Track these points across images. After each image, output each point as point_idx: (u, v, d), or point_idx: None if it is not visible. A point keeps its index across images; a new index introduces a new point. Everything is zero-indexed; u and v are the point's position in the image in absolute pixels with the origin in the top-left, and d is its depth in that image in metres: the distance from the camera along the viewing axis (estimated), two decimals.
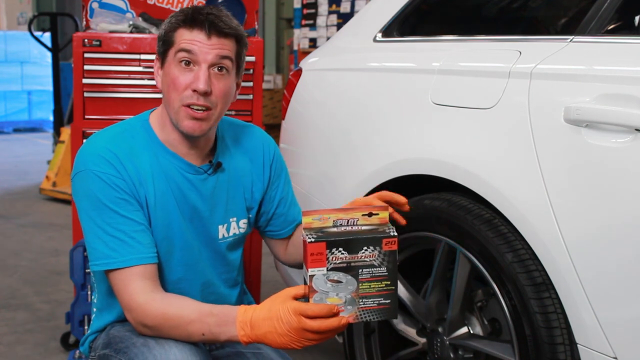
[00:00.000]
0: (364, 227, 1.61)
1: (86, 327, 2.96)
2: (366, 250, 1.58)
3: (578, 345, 1.73)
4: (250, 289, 2.15)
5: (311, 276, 1.55)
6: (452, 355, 2.07)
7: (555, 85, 1.80)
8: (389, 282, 1.60)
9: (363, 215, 1.60)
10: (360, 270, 1.57)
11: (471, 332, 2.07)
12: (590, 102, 1.69)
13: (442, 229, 2.01)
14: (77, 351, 2.87)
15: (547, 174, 1.75)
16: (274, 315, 1.58)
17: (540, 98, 1.81)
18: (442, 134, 2.06)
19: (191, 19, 1.75)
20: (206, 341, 1.72)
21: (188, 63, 1.75)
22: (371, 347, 2.37)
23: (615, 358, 1.65)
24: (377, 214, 1.62)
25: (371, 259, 1.58)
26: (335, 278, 1.56)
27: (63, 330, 3.31)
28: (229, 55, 1.77)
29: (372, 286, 1.58)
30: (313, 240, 1.54)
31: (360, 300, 1.58)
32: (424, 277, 2.23)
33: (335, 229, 1.58)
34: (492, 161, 1.90)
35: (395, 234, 1.60)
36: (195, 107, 1.75)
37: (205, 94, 1.74)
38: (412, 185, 2.19)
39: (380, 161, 2.23)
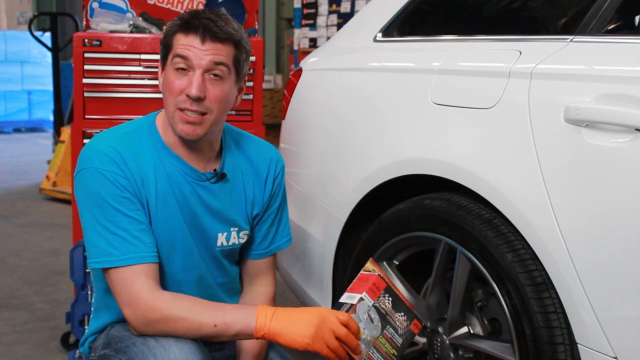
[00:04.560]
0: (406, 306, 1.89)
1: (86, 327, 2.96)
2: (401, 316, 1.84)
3: (578, 345, 1.73)
4: None
5: (361, 298, 1.74)
6: (452, 355, 2.07)
7: (556, 85, 1.80)
8: (396, 353, 1.81)
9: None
10: (387, 326, 1.79)
11: (471, 332, 2.07)
12: (590, 102, 1.69)
13: (442, 229, 2.01)
14: (77, 351, 2.87)
15: (547, 173, 1.75)
16: (305, 308, 1.69)
17: (540, 98, 1.81)
18: (442, 133, 2.06)
19: (186, 24, 1.74)
20: (216, 334, 1.71)
21: (183, 68, 1.74)
22: None
23: (616, 358, 1.65)
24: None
25: (399, 324, 1.83)
26: (372, 315, 1.75)
27: (63, 330, 3.31)
28: (224, 62, 1.76)
29: (386, 345, 1.77)
30: (382, 277, 1.83)
31: (372, 348, 1.73)
32: (424, 277, 2.23)
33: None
34: (492, 161, 1.89)
35: (425, 324, 1.99)
36: (189, 112, 1.75)
37: (199, 100, 1.74)
38: (412, 185, 2.20)
39: (380, 161, 2.23)
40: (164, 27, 1.84)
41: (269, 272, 2.05)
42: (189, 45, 1.73)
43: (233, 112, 3.03)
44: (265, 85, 9.18)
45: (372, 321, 1.74)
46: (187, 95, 1.73)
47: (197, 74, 1.73)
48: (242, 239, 1.96)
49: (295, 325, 1.64)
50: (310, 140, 2.66)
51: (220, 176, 1.89)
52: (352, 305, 1.72)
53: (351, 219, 2.37)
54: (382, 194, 2.28)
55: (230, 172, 1.92)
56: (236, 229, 1.94)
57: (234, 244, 1.95)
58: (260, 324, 1.65)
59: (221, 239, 1.92)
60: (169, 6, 3.29)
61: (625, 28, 1.96)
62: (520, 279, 1.80)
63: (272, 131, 6.02)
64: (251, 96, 3.14)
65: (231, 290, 2.02)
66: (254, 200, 1.97)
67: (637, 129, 1.59)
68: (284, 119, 2.85)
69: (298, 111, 2.76)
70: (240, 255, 2.03)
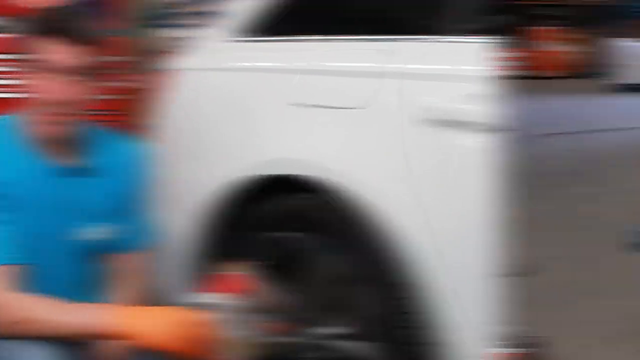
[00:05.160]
0: None
1: None
2: (265, 316, 1.78)
3: (443, 344, 1.75)
4: None
5: (223, 298, 1.72)
6: (317, 356, 2.07)
7: (421, 85, 1.83)
8: (261, 354, 1.76)
9: None
10: (251, 327, 1.75)
11: (337, 332, 2.07)
12: (455, 101, 1.72)
13: (307, 229, 2.02)
14: None
15: (415, 173, 1.78)
16: (167, 307, 1.68)
17: (406, 98, 1.84)
18: (306, 134, 2.07)
19: (45, 26, 1.75)
20: (76, 335, 1.69)
21: (45, 71, 1.73)
22: None
23: (479, 356, 1.68)
24: None
25: (263, 325, 1.78)
26: (235, 316, 1.72)
27: None
28: (85, 64, 1.77)
29: (249, 346, 1.74)
30: (244, 276, 1.77)
31: (236, 349, 1.71)
32: (289, 278, 2.22)
33: None
34: (358, 161, 1.91)
35: (290, 325, 1.96)
36: (53, 114, 1.75)
37: (62, 102, 1.74)
38: (285, 188, 2.18)
39: (242, 162, 2.23)
40: (20, 27, 1.82)
41: (137, 271, 2.03)
42: (49, 48, 1.73)
43: (105, 112, 2.97)
44: (136, 85, 9.07)
45: (235, 322, 1.73)
46: (51, 99, 1.73)
47: (59, 77, 1.74)
48: (108, 235, 1.94)
49: (155, 325, 1.64)
50: (174, 142, 2.63)
51: (83, 171, 1.87)
52: (213, 304, 1.71)
53: (218, 219, 2.36)
54: (255, 195, 2.26)
55: (94, 167, 1.90)
56: (101, 224, 1.92)
57: (99, 240, 1.92)
58: (120, 323, 1.65)
59: (86, 235, 1.90)
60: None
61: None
62: (386, 279, 1.81)
63: (145, 131, 5.93)
64: (123, 96, 3.13)
65: (98, 289, 1.98)
66: (117, 194, 1.95)
67: (494, 128, 1.63)
68: (154, 119, 2.81)
69: (167, 111, 2.72)
70: (107, 252, 2.00)
